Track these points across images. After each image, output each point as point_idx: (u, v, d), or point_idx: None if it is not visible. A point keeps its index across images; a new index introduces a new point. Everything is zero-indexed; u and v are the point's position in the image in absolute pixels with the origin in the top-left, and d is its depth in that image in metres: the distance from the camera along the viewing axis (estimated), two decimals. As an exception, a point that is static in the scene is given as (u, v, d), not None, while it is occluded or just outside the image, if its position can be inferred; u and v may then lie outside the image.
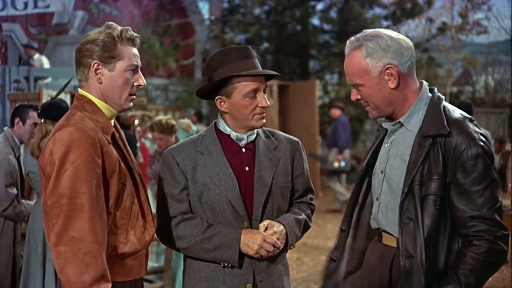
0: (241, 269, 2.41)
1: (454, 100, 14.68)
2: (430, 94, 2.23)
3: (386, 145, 2.26)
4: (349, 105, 14.33)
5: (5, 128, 4.46)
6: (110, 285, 2.05)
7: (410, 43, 2.20)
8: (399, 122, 2.22)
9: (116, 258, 2.16)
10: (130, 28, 2.27)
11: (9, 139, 4.32)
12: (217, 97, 2.45)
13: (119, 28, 2.23)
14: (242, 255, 2.39)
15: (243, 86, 2.40)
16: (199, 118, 11.20)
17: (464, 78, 18.35)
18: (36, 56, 11.08)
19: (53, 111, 4.05)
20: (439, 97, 2.21)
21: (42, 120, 4.08)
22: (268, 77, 2.48)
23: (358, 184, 2.39)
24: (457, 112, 2.19)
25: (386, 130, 2.30)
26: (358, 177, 2.39)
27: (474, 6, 15.54)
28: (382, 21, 15.23)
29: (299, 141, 2.61)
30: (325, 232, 8.95)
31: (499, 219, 2.08)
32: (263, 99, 2.42)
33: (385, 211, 2.23)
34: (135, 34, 2.26)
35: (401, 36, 2.20)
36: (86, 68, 2.21)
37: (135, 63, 2.24)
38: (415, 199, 2.10)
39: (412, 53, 2.18)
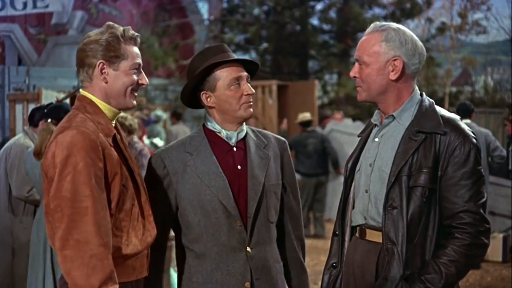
0: (238, 268, 2.41)
1: (453, 100, 14.66)
2: (419, 97, 2.35)
3: (376, 139, 2.34)
4: (348, 106, 14.33)
5: (26, 127, 4.70)
6: (117, 286, 2.06)
7: (425, 53, 2.32)
8: (392, 115, 2.31)
9: (118, 259, 2.17)
10: (130, 27, 2.27)
11: (29, 135, 4.54)
12: (202, 93, 2.45)
13: (121, 28, 2.24)
14: (238, 256, 2.40)
15: (225, 76, 2.42)
16: (177, 117, 11.00)
17: (463, 78, 18.33)
18: None
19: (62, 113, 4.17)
20: (428, 99, 2.33)
21: (49, 120, 4.12)
22: (251, 72, 2.50)
23: (347, 186, 2.41)
24: (448, 113, 2.31)
25: (371, 128, 2.40)
26: (345, 179, 2.42)
27: (474, 6, 15.49)
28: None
29: (286, 141, 2.63)
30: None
31: (483, 213, 2.18)
32: (247, 87, 2.44)
33: (374, 201, 2.28)
34: (136, 34, 2.28)
35: (421, 44, 2.32)
36: (90, 68, 2.21)
37: (138, 62, 2.26)
38: (402, 189, 2.18)
39: (422, 61, 2.31)
